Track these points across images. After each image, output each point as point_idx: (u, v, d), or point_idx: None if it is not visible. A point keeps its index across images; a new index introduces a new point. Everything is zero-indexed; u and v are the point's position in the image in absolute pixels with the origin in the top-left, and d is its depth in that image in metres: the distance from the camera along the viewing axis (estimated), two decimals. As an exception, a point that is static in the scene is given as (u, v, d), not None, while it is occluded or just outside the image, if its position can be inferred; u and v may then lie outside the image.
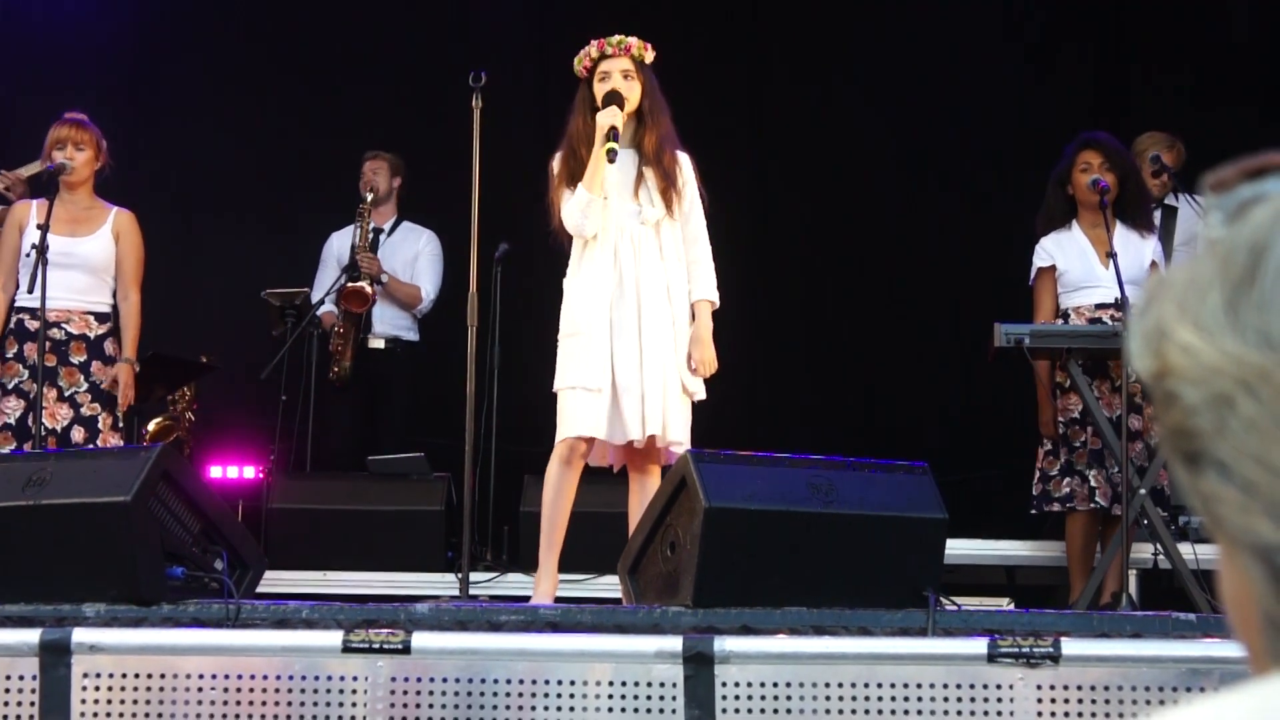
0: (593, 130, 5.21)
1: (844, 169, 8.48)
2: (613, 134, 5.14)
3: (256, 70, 8.06)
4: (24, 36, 8.24)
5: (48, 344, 6.15)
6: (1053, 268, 6.23)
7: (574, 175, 5.25)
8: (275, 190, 8.12)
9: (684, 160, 5.36)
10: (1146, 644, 4.08)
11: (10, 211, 6.30)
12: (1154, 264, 6.15)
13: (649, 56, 5.35)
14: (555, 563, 5.21)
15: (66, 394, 6.17)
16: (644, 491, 5.23)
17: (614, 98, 5.23)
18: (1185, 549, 5.79)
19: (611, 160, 5.14)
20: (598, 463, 5.35)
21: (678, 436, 5.19)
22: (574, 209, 5.23)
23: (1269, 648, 0.80)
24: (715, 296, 5.36)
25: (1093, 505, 6.12)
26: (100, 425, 6.19)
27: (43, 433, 6.07)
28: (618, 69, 5.30)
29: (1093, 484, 6.12)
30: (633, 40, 5.32)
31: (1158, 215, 6.72)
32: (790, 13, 8.65)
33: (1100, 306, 6.15)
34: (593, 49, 5.33)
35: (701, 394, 5.29)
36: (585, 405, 5.16)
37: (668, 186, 5.27)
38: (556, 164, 5.34)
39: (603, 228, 5.24)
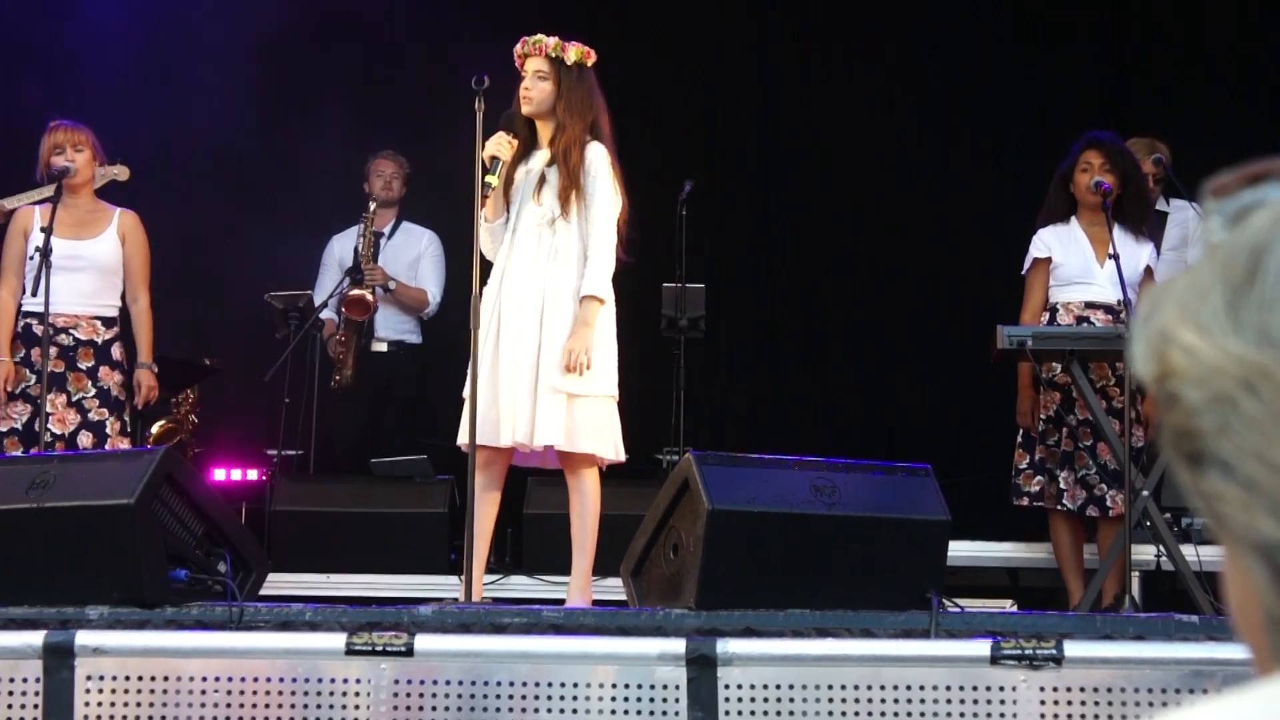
0: (520, 122, 5.25)
1: (847, 170, 8.48)
2: (494, 165, 5.14)
3: (258, 72, 8.07)
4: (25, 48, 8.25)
5: (56, 349, 6.16)
6: (1048, 259, 6.23)
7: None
8: (278, 192, 8.12)
9: (594, 155, 5.25)
10: (1149, 646, 4.08)
11: (14, 217, 6.29)
12: (1149, 268, 6.15)
13: (570, 56, 5.26)
14: (479, 568, 5.11)
15: (74, 399, 6.18)
16: (574, 493, 5.24)
17: (507, 124, 5.21)
18: (1188, 550, 5.79)
19: (486, 195, 5.15)
20: (540, 464, 5.36)
21: (549, 439, 5.11)
22: (480, 233, 5.25)
23: (1272, 647, 0.80)
24: (602, 293, 5.18)
25: (1059, 507, 6.12)
26: (108, 430, 6.19)
27: (49, 438, 6.07)
28: (532, 69, 5.26)
29: (1062, 485, 6.12)
30: (549, 40, 5.27)
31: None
32: (796, 9, 8.66)
33: (1090, 305, 6.16)
34: (518, 46, 5.32)
35: (584, 390, 5.14)
36: (464, 414, 5.17)
37: (568, 185, 5.19)
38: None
39: (506, 233, 5.26)
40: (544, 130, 5.31)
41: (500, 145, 5.16)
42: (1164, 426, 0.84)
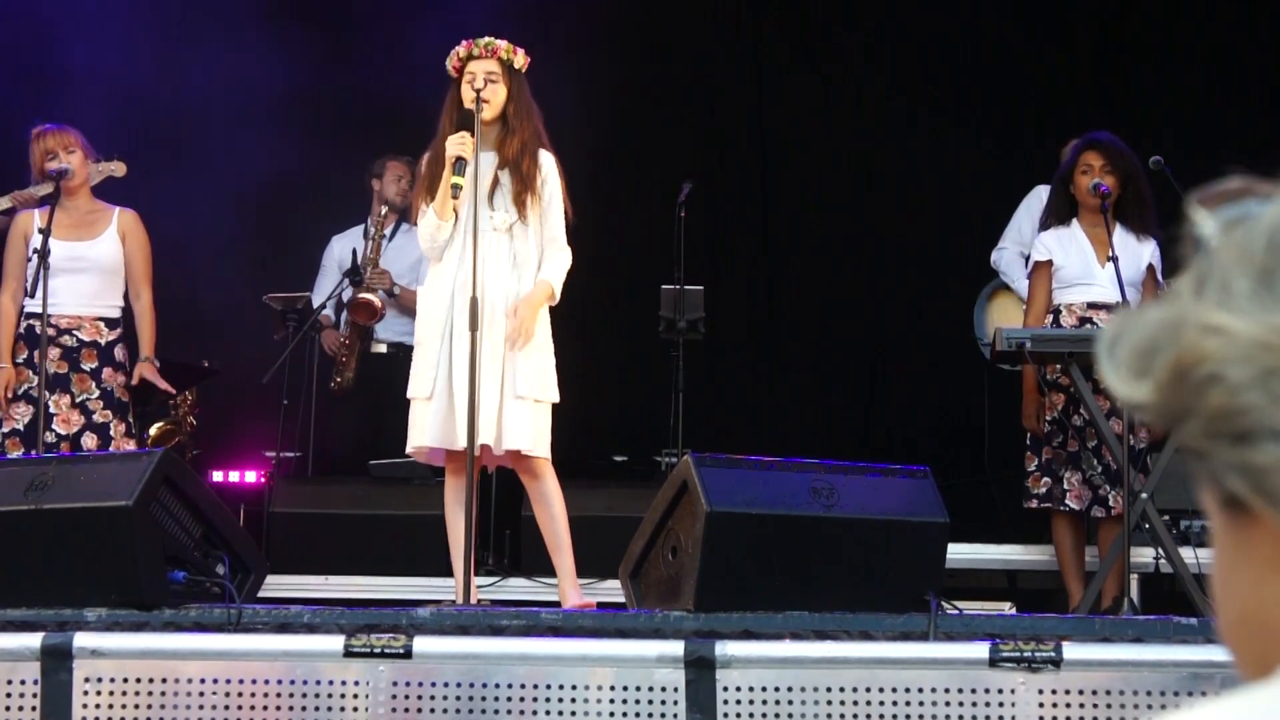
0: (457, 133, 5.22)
1: (846, 171, 8.48)
2: (460, 166, 5.12)
3: (256, 73, 8.07)
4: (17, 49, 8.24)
5: (60, 350, 6.16)
6: (1050, 262, 6.23)
7: (434, 180, 5.22)
8: (277, 193, 8.12)
9: (546, 160, 5.26)
10: (1148, 648, 4.08)
11: (14, 222, 6.29)
12: (1151, 267, 6.16)
13: (519, 60, 5.27)
14: (465, 570, 5.07)
15: (78, 400, 6.17)
16: (534, 497, 5.25)
17: (467, 121, 5.18)
18: (1187, 553, 5.79)
19: (455, 196, 5.13)
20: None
21: (516, 444, 5.10)
22: (424, 232, 5.24)
23: None
24: (558, 284, 5.21)
25: (1063, 508, 6.11)
26: (113, 432, 6.19)
27: (52, 439, 6.07)
28: (483, 71, 5.23)
29: (1066, 486, 6.11)
30: (501, 43, 5.26)
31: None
32: (791, 9, 8.66)
33: (1093, 306, 6.15)
34: (461, 49, 5.28)
35: (543, 397, 5.18)
36: (420, 414, 5.17)
37: (523, 190, 5.19)
38: (423, 165, 5.32)
39: (456, 234, 5.22)
40: (489, 133, 5.26)
41: (465, 146, 5.15)
42: (1194, 415, 0.83)
